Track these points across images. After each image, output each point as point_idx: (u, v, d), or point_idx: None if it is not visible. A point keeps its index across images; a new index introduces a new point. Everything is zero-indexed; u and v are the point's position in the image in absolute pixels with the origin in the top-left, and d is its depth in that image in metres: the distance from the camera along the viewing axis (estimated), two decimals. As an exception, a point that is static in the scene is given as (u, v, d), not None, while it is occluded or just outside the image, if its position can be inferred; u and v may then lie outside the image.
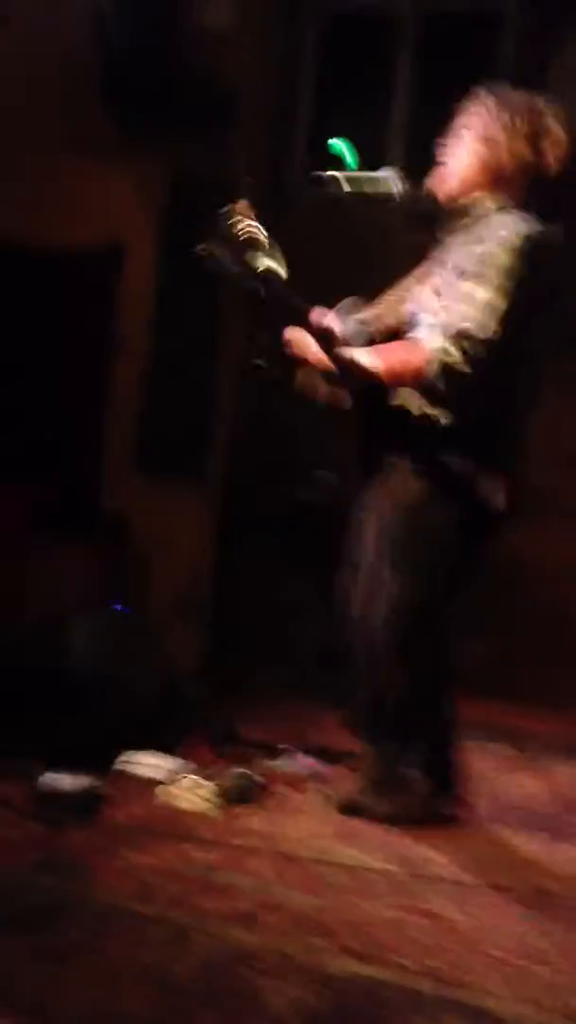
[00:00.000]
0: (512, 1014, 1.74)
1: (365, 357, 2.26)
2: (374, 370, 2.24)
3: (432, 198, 2.39)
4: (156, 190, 4.09)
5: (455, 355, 2.15)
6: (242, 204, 2.24)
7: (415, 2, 4.42)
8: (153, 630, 3.37)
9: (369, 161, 4.37)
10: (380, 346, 2.29)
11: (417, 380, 2.21)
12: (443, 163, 2.39)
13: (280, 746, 2.99)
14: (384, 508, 2.37)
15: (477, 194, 2.32)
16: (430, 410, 2.27)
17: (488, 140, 2.31)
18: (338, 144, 4.37)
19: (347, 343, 2.29)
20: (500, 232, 2.20)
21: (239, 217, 2.22)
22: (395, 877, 2.25)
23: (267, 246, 2.22)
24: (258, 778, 2.73)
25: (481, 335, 2.15)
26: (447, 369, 2.17)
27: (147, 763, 2.73)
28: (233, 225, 2.21)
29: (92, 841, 2.26)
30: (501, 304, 2.16)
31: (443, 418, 2.27)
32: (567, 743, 3.57)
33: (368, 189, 2.47)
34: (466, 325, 2.17)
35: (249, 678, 3.62)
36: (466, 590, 2.53)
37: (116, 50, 3.74)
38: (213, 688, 3.23)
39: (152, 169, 4.03)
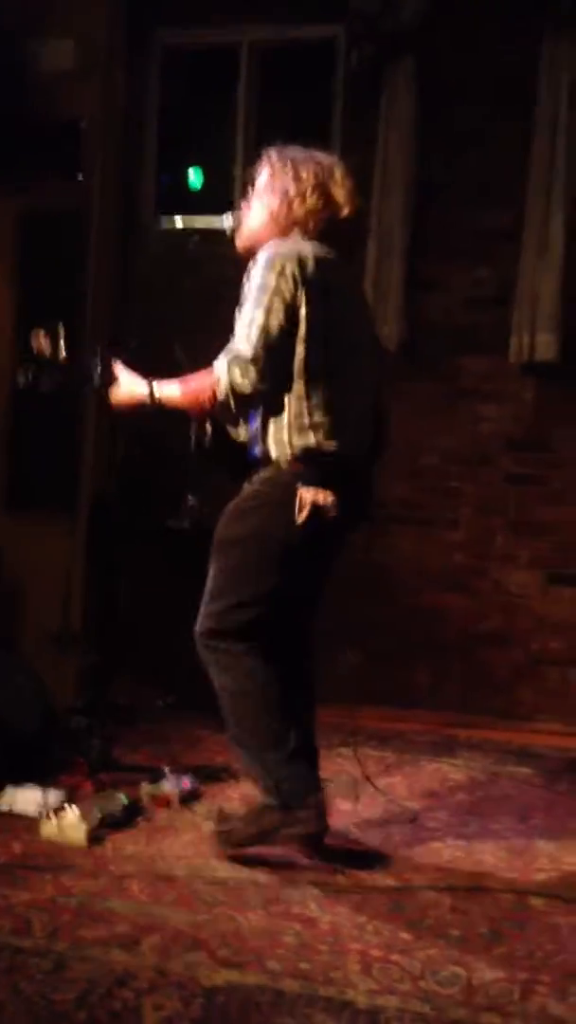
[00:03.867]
0: (373, 1003, 1.89)
1: (173, 391, 2.50)
2: (177, 401, 2.49)
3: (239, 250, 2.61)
4: (6, 226, 4.13)
5: (235, 374, 2.36)
6: (38, 331, 2.67)
7: (249, 32, 4.57)
8: (27, 665, 3.40)
9: (216, 186, 4.53)
10: (183, 378, 2.49)
11: (212, 403, 2.42)
12: (242, 221, 2.59)
13: (158, 768, 3.07)
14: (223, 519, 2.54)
15: (271, 241, 2.49)
16: (233, 432, 2.50)
17: (277, 195, 2.49)
18: (194, 177, 4.52)
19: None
20: (260, 257, 2.41)
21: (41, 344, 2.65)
22: (267, 887, 2.37)
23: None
24: (136, 802, 2.83)
25: (246, 351, 2.36)
26: (232, 388, 2.37)
27: (27, 799, 2.78)
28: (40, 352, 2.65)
29: (-30, 882, 2.32)
30: (259, 316, 2.36)
31: (242, 433, 2.50)
32: (431, 740, 3.78)
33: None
34: (234, 345, 2.39)
35: (125, 704, 3.68)
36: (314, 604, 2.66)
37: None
38: (90, 717, 3.28)
39: (1, 206, 4.07)
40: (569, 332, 4.10)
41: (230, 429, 2.50)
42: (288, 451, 2.42)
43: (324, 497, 2.39)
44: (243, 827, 2.53)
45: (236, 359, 2.36)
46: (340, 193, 2.47)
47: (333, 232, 2.48)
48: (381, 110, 4.28)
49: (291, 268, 2.36)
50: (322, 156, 2.54)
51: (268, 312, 2.35)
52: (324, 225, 2.46)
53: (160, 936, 2.11)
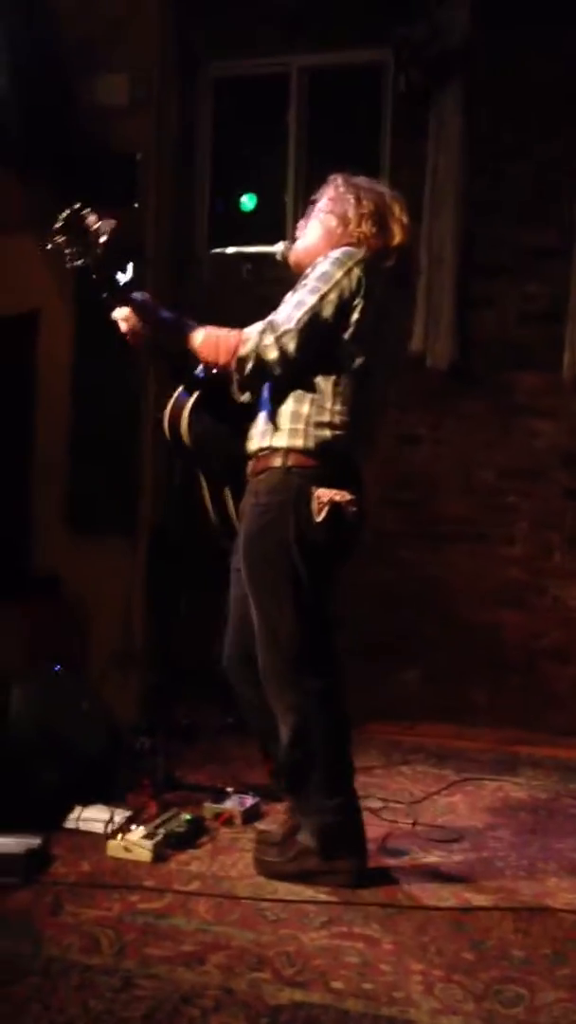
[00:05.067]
0: (436, 1023, 1.91)
1: (195, 332, 2.50)
2: (194, 338, 2.48)
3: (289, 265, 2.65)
4: (66, 256, 4.24)
5: (266, 339, 2.40)
6: (88, 212, 2.51)
7: (298, 59, 4.63)
8: (90, 685, 3.48)
9: (269, 212, 4.59)
10: (213, 327, 2.51)
11: (232, 358, 2.44)
12: (298, 238, 2.65)
13: (222, 788, 3.12)
14: (243, 546, 2.54)
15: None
16: (239, 396, 2.53)
17: (336, 216, 2.56)
18: (246, 202, 4.59)
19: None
20: (332, 253, 2.48)
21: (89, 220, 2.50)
22: (329, 907, 2.40)
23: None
24: (200, 821, 2.87)
25: (285, 324, 2.40)
26: (257, 352, 2.41)
27: (94, 818, 2.85)
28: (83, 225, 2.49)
29: (39, 899, 2.37)
30: (311, 300, 2.41)
31: (245, 398, 2.53)
32: (492, 758, 3.77)
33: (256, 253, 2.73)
34: (275, 317, 2.43)
35: (187, 724, 3.74)
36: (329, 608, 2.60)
37: (20, 128, 3.89)
38: (153, 737, 3.34)
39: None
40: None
41: (234, 392, 2.52)
42: (301, 442, 2.44)
43: (341, 495, 2.42)
44: (283, 862, 2.55)
45: (272, 326, 2.40)
46: (395, 225, 2.54)
47: (384, 258, 2.53)
48: (430, 131, 4.31)
49: (358, 271, 2.44)
50: (384, 188, 2.63)
51: (322, 301, 2.41)
52: (372, 253, 2.51)
53: (225, 954, 2.14)
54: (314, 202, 2.65)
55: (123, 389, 4.30)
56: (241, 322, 3.84)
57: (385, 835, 2.87)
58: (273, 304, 2.76)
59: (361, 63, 4.62)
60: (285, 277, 2.76)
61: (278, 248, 2.71)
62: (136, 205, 4.07)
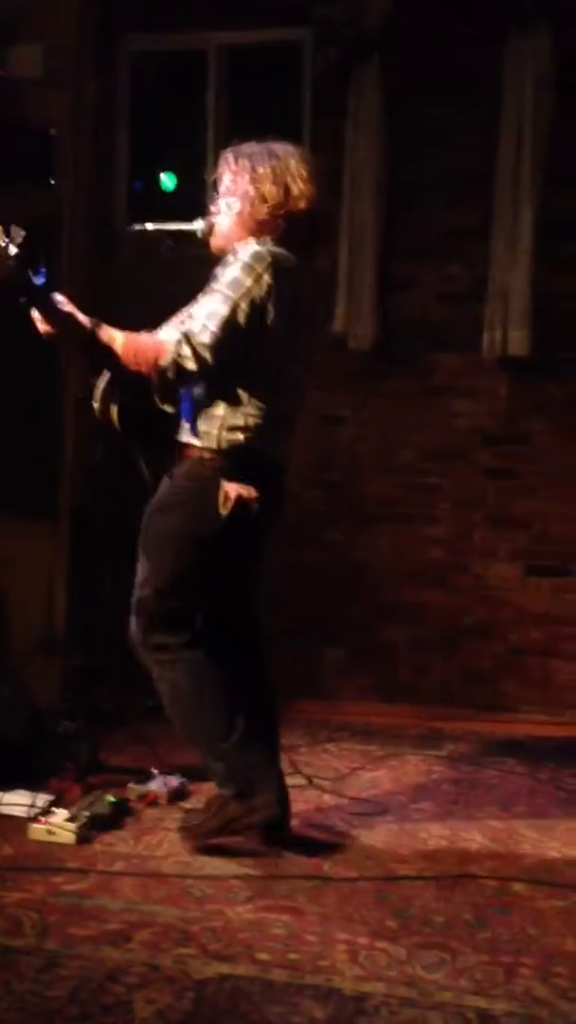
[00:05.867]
0: (359, 990, 1.93)
1: (115, 337, 2.47)
2: (116, 346, 2.46)
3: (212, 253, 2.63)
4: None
5: (184, 350, 2.40)
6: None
7: (217, 36, 4.58)
8: (11, 671, 3.42)
9: (189, 189, 4.55)
10: (131, 334, 2.49)
11: (151, 369, 2.44)
12: (213, 225, 2.63)
13: (147, 769, 3.10)
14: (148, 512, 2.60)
15: (241, 242, 2.53)
16: (161, 406, 2.55)
17: (240, 197, 2.54)
18: (166, 180, 4.54)
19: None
20: (241, 253, 2.46)
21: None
22: (256, 881, 2.41)
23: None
24: (124, 803, 2.85)
25: (201, 337, 2.40)
26: (176, 363, 2.41)
27: (16, 802, 2.80)
28: None
29: (-40, 885, 2.34)
30: (223, 310, 2.41)
31: (168, 409, 2.56)
32: (416, 734, 3.82)
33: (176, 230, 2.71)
34: (191, 327, 2.43)
35: (110, 707, 3.71)
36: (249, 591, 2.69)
37: None
38: (76, 720, 3.30)
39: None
40: (540, 327, 4.15)
41: (156, 400, 2.53)
42: (214, 444, 2.48)
43: (248, 491, 2.47)
44: (206, 820, 2.58)
45: (190, 337, 2.40)
46: (296, 185, 2.50)
47: (293, 227, 2.51)
48: (349, 111, 4.31)
49: (267, 277, 2.42)
50: (278, 147, 2.56)
51: (233, 310, 2.40)
52: (285, 221, 2.50)
53: (150, 932, 2.13)
54: (215, 184, 2.63)
55: (43, 369, 4.22)
56: (164, 300, 3.83)
57: (310, 810, 2.89)
58: (193, 281, 2.74)
59: (279, 41, 4.59)
60: (206, 255, 2.74)
61: (198, 225, 2.69)
62: (52, 181, 3.98)
